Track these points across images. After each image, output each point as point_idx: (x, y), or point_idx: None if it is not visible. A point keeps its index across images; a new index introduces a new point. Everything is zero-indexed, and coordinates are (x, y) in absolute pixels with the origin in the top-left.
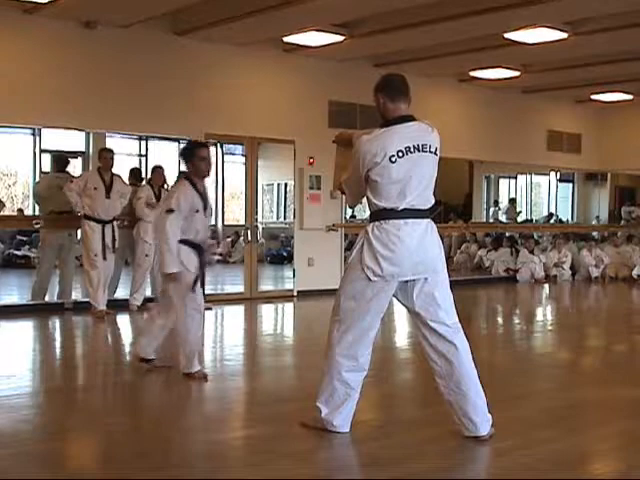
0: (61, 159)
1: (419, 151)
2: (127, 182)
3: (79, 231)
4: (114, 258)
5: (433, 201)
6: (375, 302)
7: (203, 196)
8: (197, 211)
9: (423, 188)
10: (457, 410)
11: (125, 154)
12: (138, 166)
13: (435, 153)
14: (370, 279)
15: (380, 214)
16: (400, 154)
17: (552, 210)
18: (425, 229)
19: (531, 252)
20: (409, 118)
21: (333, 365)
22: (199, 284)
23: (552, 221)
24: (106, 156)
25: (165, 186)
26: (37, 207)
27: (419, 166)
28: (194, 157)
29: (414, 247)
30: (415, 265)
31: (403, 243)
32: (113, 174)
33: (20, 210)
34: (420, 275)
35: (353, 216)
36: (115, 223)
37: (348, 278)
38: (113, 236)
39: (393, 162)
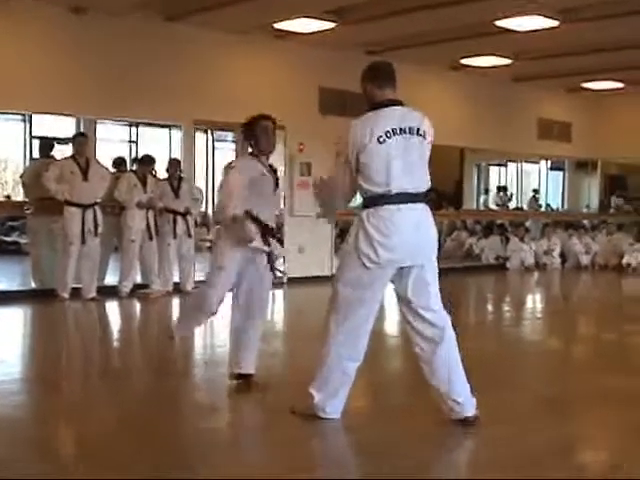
0: (45, 144)
1: (406, 133)
2: (112, 169)
3: None
4: (99, 243)
5: (428, 185)
6: (371, 290)
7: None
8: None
9: (414, 170)
10: (442, 394)
11: (115, 140)
12: (128, 152)
13: (424, 136)
14: (366, 266)
15: (373, 200)
16: (387, 135)
17: (542, 197)
18: (420, 214)
19: (521, 240)
20: (396, 102)
21: (329, 353)
22: None
23: (538, 200)
24: (80, 141)
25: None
26: (26, 195)
27: (407, 148)
28: (256, 132)
29: (410, 233)
30: (411, 251)
31: (398, 229)
32: (88, 158)
33: (7, 197)
34: (416, 262)
35: None
36: (97, 207)
37: (344, 266)
38: (95, 220)
39: (381, 142)
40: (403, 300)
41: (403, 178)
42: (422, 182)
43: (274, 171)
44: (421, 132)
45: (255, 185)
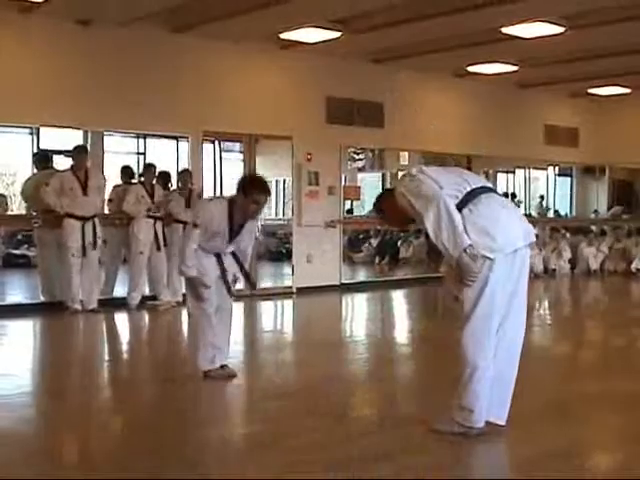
0: (43, 156)
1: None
2: (120, 180)
3: None
4: (97, 255)
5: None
6: (501, 283)
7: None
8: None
9: (476, 176)
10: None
11: (123, 152)
12: (135, 164)
13: None
14: (489, 257)
15: (467, 197)
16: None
17: (549, 203)
18: (507, 200)
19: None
20: None
21: (472, 366)
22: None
23: (544, 205)
24: (79, 154)
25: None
26: (28, 208)
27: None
28: (248, 195)
29: (511, 214)
30: (520, 230)
31: (502, 211)
32: (87, 171)
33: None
34: (525, 241)
35: (350, 211)
36: (96, 220)
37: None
38: (94, 233)
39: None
40: (511, 290)
41: (473, 178)
42: (485, 182)
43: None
44: None
45: (211, 236)
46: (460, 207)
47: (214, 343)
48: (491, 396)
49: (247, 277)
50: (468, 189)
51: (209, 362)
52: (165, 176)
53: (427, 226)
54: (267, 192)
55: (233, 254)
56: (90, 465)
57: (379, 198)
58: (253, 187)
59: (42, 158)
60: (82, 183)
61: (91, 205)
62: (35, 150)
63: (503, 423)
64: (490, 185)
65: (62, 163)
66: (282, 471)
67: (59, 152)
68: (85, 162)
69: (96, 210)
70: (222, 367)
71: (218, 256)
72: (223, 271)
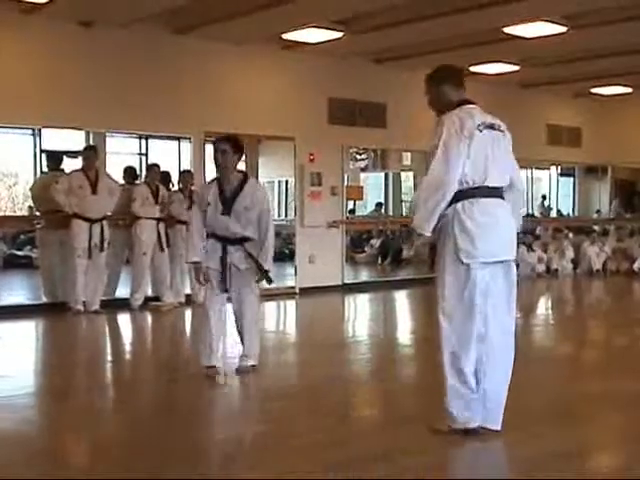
0: (54, 157)
1: (492, 129)
2: (122, 181)
3: None
4: (104, 257)
5: (508, 181)
6: (478, 288)
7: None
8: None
9: (501, 165)
10: (487, 398)
11: (125, 153)
12: (138, 165)
13: (504, 132)
14: (463, 262)
15: (468, 192)
16: (481, 126)
17: (552, 203)
18: (507, 209)
19: (530, 248)
20: (472, 102)
21: (445, 366)
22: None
23: (546, 205)
24: (89, 154)
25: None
26: (31, 208)
27: (496, 142)
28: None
29: (504, 225)
30: (506, 244)
31: (496, 221)
32: (97, 171)
33: (31, 207)
34: (510, 256)
35: (352, 211)
36: (105, 222)
37: (443, 268)
38: (102, 235)
39: (480, 131)
40: (492, 298)
41: (495, 172)
42: (505, 178)
43: (239, 189)
44: (502, 128)
45: (207, 212)
46: (458, 198)
47: (212, 343)
48: (484, 403)
49: (260, 269)
50: (478, 184)
51: (207, 359)
52: (166, 176)
53: (424, 180)
54: (223, 139)
55: (246, 250)
56: (91, 465)
57: (436, 76)
58: (216, 140)
59: (53, 159)
60: (92, 183)
61: (100, 206)
62: (36, 151)
63: (498, 428)
64: (503, 186)
65: (65, 164)
66: (283, 471)
67: (62, 153)
68: (95, 162)
69: (105, 212)
70: (253, 367)
71: (224, 250)
72: (224, 267)
